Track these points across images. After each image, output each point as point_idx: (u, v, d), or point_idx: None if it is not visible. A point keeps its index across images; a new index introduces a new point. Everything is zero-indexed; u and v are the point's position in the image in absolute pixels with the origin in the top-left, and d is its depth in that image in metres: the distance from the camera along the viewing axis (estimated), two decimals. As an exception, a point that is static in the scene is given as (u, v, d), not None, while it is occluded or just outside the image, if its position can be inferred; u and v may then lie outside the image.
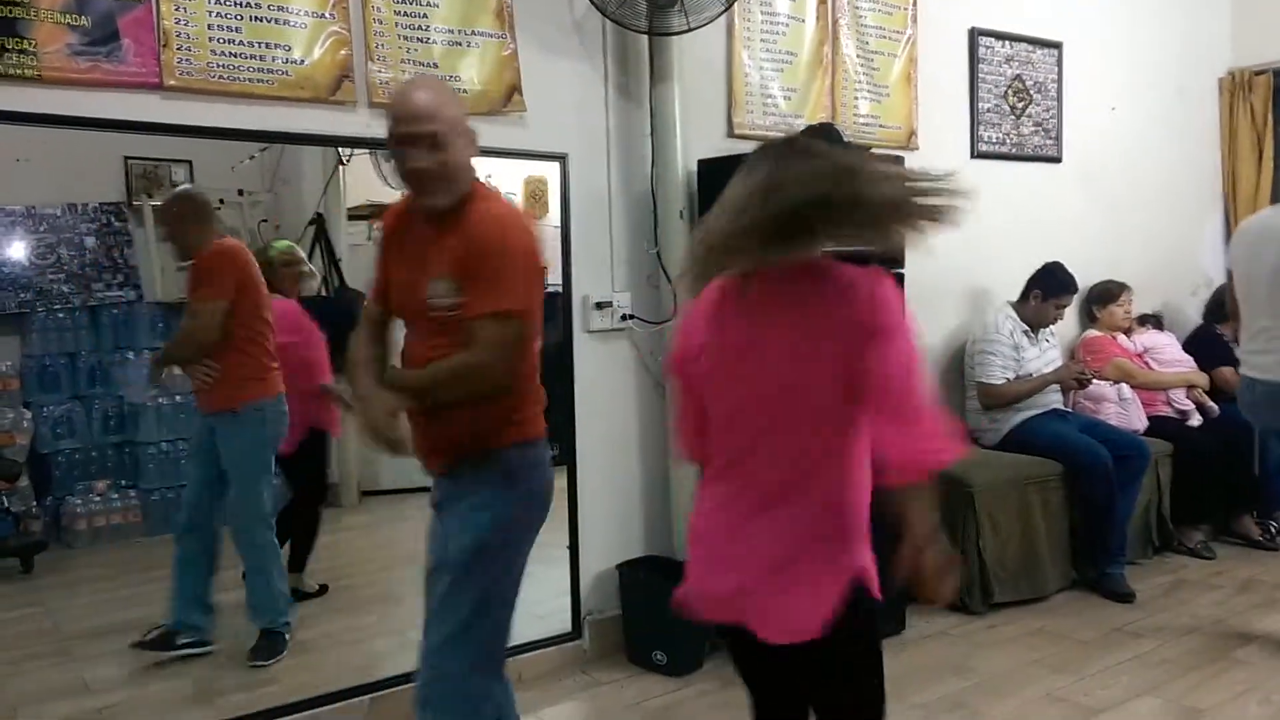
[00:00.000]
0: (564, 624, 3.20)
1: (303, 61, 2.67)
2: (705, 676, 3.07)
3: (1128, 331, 4.64)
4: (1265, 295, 3.16)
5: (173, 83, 2.48)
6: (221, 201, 3.21)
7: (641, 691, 3.00)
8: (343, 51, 2.73)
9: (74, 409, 3.20)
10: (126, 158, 3.12)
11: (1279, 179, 5.25)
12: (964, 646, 3.30)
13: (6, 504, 3.11)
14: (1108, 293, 4.54)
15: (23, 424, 3.11)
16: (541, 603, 3.04)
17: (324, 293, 3.53)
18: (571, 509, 3.19)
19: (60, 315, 3.15)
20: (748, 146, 3.29)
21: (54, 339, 3.16)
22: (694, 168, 3.27)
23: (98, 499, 3.19)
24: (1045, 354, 4.09)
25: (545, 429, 2.04)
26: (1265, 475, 4.38)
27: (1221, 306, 4.74)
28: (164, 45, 2.47)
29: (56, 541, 3.16)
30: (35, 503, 3.16)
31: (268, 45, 2.62)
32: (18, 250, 3.10)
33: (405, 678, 2.84)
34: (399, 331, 2.07)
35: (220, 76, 2.55)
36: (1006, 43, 4.35)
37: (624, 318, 3.27)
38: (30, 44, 2.31)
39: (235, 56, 2.57)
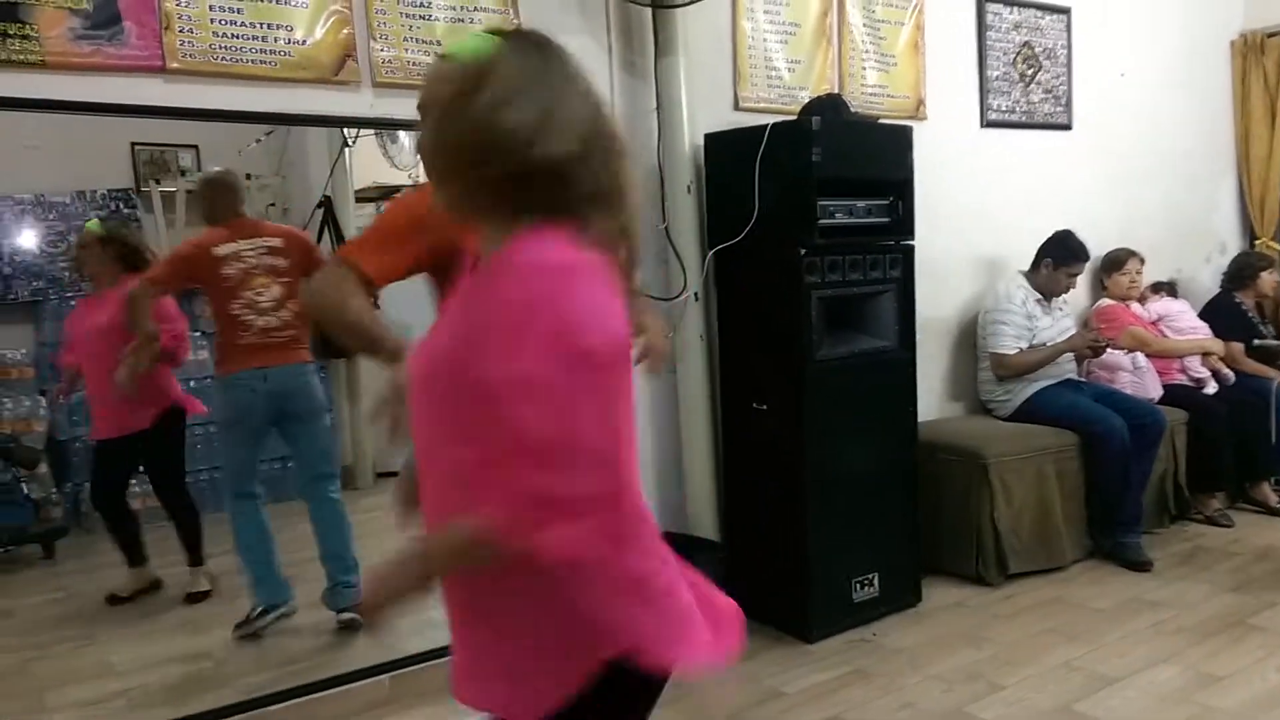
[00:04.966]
0: (580, 601, 3.21)
1: (305, 41, 2.66)
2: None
3: (1141, 299, 4.61)
4: None
5: (175, 65, 2.48)
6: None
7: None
8: (345, 30, 2.71)
9: (89, 396, 3.21)
10: (134, 144, 3.12)
11: (1294, 142, 5.20)
12: (980, 617, 3.30)
13: (27, 491, 3.13)
14: (1115, 261, 4.50)
15: (39, 412, 3.12)
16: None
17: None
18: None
19: (73, 303, 3.16)
20: (754, 120, 3.28)
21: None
22: (700, 142, 3.25)
23: (116, 485, 3.21)
24: (1059, 323, 4.06)
25: None
26: (1282, 442, 4.36)
27: (1241, 273, 4.72)
28: (166, 27, 2.46)
29: (77, 527, 3.18)
30: (55, 489, 3.18)
31: (269, 25, 2.61)
32: (28, 239, 3.10)
33: (425, 656, 2.86)
34: None
35: (223, 58, 2.54)
36: (1015, 9, 4.29)
37: (633, 294, 3.25)
38: (33, 29, 2.31)
39: (237, 38, 2.56)
